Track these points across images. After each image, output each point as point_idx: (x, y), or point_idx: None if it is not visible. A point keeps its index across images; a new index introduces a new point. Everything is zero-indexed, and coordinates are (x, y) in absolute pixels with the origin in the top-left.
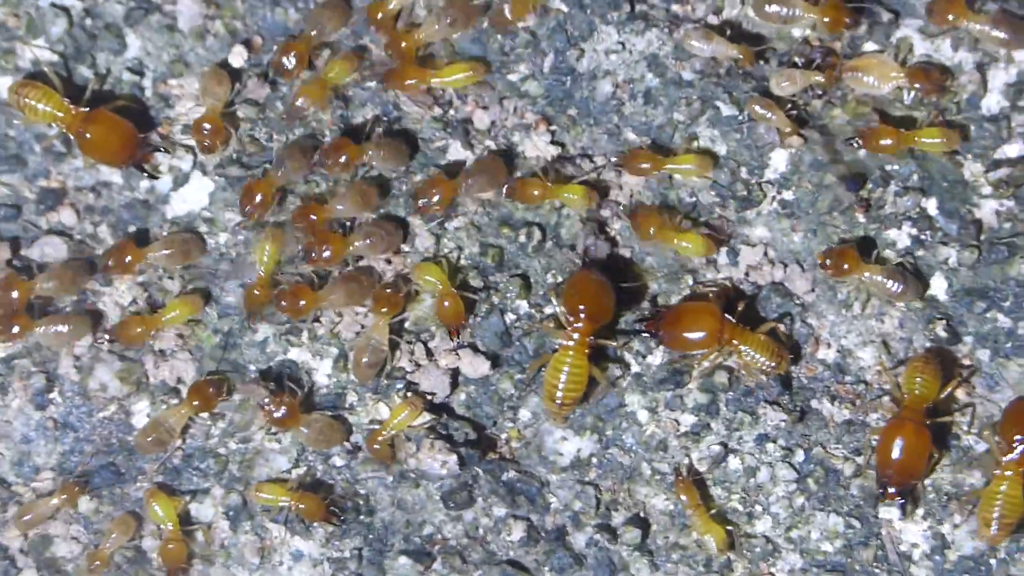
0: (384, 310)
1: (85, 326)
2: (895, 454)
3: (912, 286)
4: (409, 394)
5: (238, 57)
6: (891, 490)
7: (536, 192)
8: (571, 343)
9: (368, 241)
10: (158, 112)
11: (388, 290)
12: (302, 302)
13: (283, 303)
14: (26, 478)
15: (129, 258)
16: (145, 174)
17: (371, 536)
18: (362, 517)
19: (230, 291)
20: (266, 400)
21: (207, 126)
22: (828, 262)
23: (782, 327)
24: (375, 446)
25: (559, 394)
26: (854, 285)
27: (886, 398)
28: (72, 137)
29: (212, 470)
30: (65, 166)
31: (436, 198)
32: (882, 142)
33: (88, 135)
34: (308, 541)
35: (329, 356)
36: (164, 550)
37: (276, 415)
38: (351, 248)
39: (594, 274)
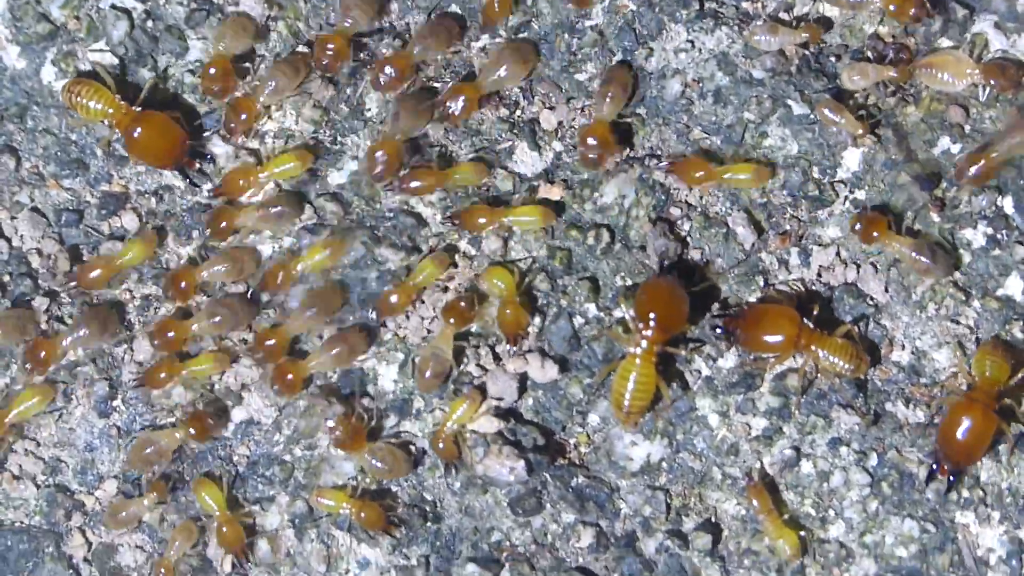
0: (452, 321)
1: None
2: (959, 434)
3: (941, 263)
4: (466, 389)
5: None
6: (946, 466)
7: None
8: (638, 351)
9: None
10: (220, 115)
11: (462, 303)
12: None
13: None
14: (89, 486)
15: (184, 284)
16: (187, 180)
17: (438, 543)
18: (429, 524)
19: (295, 297)
20: (332, 421)
21: (213, 71)
22: (858, 227)
23: (856, 329)
24: (439, 445)
25: (626, 403)
26: (927, 286)
27: (961, 384)
28: (120, 135)
29: (277, 477)
30: (127, 170)
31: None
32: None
33: (136, 134)
34: (375, 549)
35: (395, 362)
36: (220, 534)
37: (341, 438)
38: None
39: (668, 281)
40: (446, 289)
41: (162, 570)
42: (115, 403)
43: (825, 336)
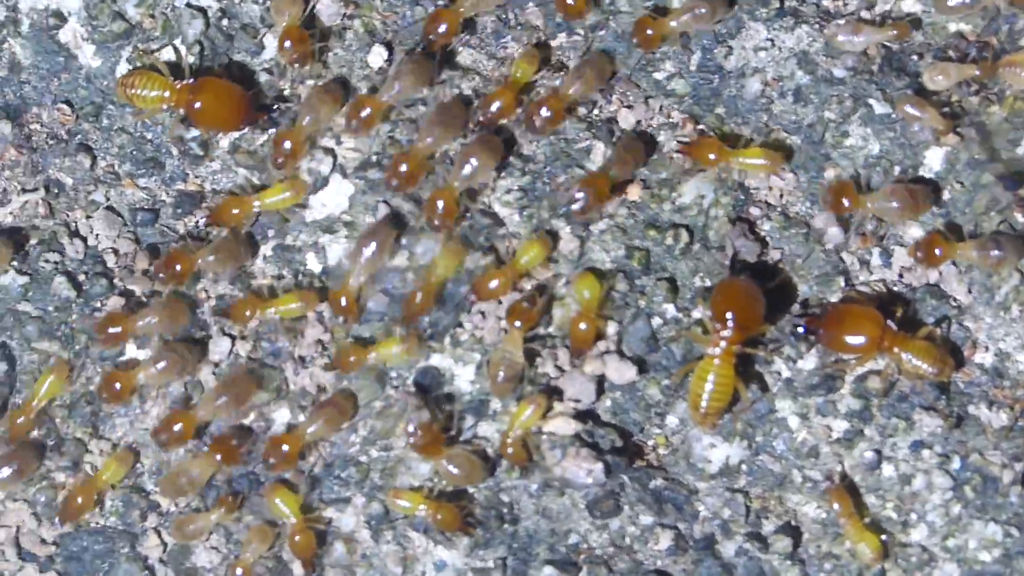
0: (518, 324)
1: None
2: None
3: (1011, 249)
4: (530, 390)
5: (377, 57)
6: None
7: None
8: (717, 352)
9: (161, 366)
10: (296, 114)
11: (524, 303)
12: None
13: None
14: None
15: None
16: (264, 131)
17: (515, 545)
18: (506, 526)
19: (370, 297)
20: (412, 425)
21: (288, 42)
22: (919, 254)
23: (939, 331)
24: (508, 450)
25: (704, 404)
26: (1011, 286)
27: None
28: (184, 112)
29: (353, 479)
30: (202, 169)
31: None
32: (708, 155)
33: (198, 105)
34: (451, 551)
35: (472, 362)
36: (292, 543)
37: (419, 443)
38: (141, 375)
39: (744, 281)
40: (521, 290)
41: (239, 570)
42: (191, 403)
43: (909, 338)
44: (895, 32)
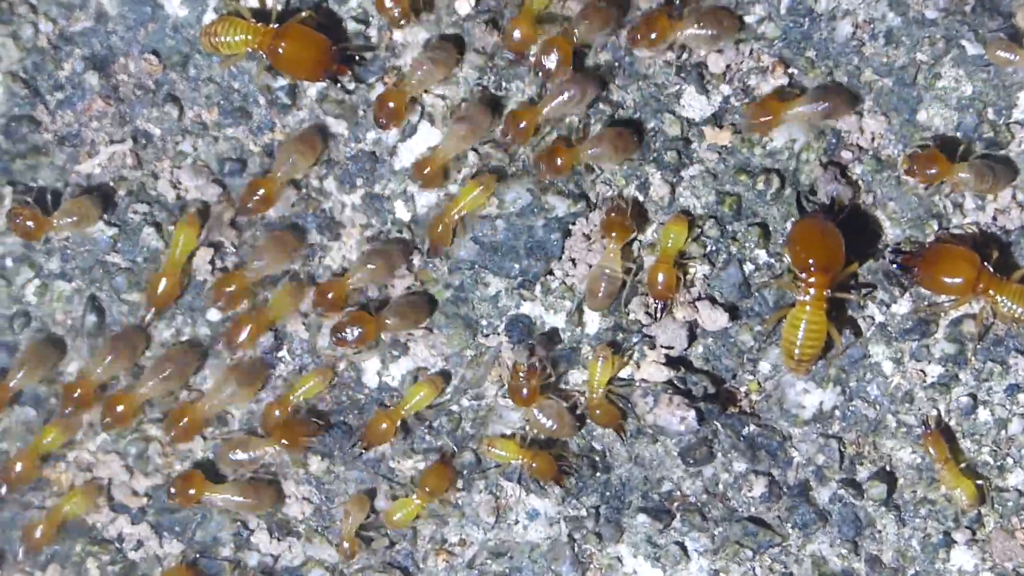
0: (614, 235)
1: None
2: None
3: (1002, 173)
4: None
5: (465, 4)
6: None
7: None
8: (807, 298)
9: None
10: (384, 61)
11: (615, 215)
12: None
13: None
14: (258, 436)
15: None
16: (339, 85)
17: (608, 494)
18: (599, 474)
19: (460, 244)
20: (510, 369)
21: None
22: (913, 167)
23: None
24: (596, 412)
25: (797, 351)
26: None
27: None
28: (266, 56)
29: (445, 428)
30: (290, 118)
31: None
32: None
33: (281, 50)
34: (544, 499)
35: (563, 310)
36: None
37: (517, 387)
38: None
39: (814, 221)
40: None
41: (346, 543)
42: (281, 353)
43: (1005, 281)
44: None
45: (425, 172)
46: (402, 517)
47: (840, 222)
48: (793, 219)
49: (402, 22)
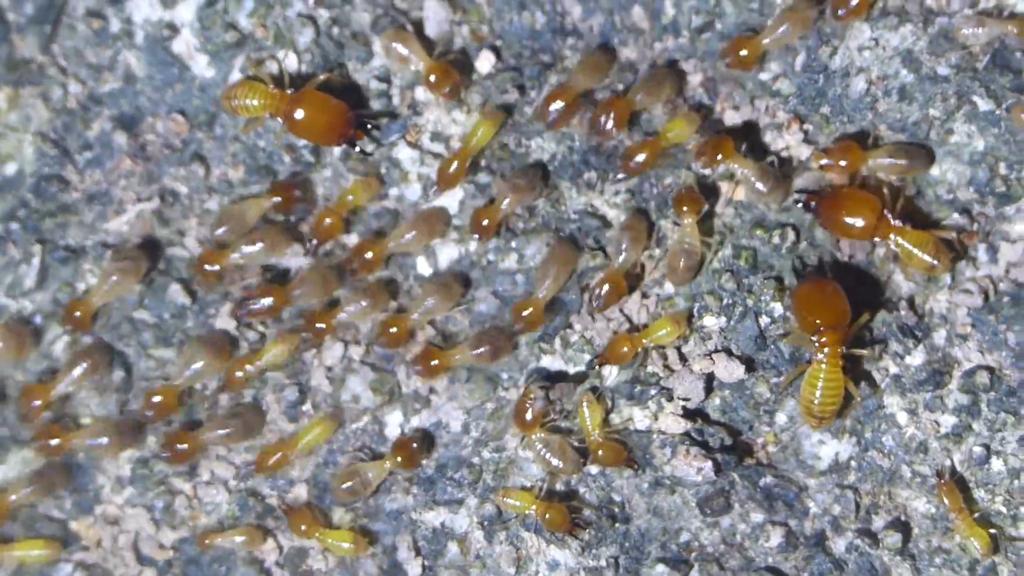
0: (686, 209)
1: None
2: None
3: (919, 158)
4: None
5: (486, 63)
6: None
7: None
8: (823, 357)
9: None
10: (406, 119)
11: (688, 192)
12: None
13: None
14: (281, 491)
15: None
16: (357, 150)
17: (627, 544)
18: (618, 525)
19: (481, 299)
20: (522, 392)
21: (432, 77)
22: (826, 162)
23: (954, 234)
24: (599, 453)
25: (816, 409)
26: None
27: None
28: (281, 121)
29: (467, 480)
30: (315, 176)
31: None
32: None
33: (297, 116)
34: (564, 550)
35: (582, 363)
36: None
37: (522, 412)
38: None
39: (814, 282)
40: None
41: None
42: (304, 407)
43: (906, 228)
44: (1015, 28)
45: (483, 224)
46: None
47: (853, 274)
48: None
49: (449, 95)
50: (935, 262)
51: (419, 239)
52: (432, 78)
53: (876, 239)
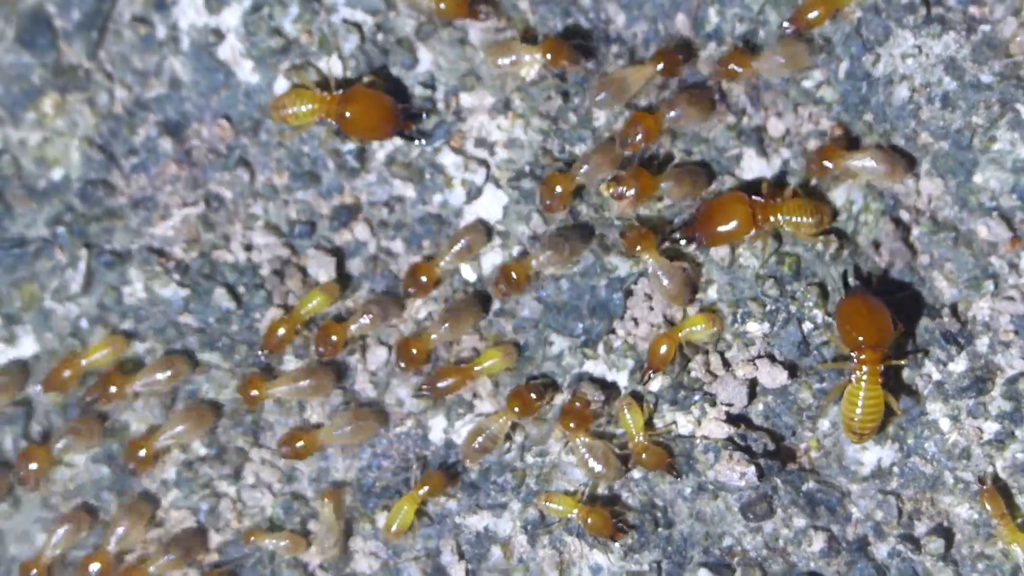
0: (639, 248)
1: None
2: None
3: (901, 161)
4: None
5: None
6: None
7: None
8: (862, 374)
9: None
10: (451, 125)
11: (629, 232)
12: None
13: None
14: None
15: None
16: (412, 140)
17: (670, 549)
18: (660, 529)
19: (525, 305)
20: (572, 394)
21: (549, 55)
22: (811, 166)
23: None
24: (641, 456)
25: (856, 426)
26: None
27: None
28: (334, 122)
29: (510, 484)
30: (359, 181)
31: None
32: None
33: (348, 115)
34: (607, 554)
35: (625, 368)
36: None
37: (570, 413)
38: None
39: (860, 298)
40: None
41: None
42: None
43: (778, 203)
44: None
45: (512, 279)
46: (399, 525)
47: (897, 285)
48: (852, 279)
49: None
50: (817, 219)
51: (466, 254)
52: (548, 56)
53: (761, 226)
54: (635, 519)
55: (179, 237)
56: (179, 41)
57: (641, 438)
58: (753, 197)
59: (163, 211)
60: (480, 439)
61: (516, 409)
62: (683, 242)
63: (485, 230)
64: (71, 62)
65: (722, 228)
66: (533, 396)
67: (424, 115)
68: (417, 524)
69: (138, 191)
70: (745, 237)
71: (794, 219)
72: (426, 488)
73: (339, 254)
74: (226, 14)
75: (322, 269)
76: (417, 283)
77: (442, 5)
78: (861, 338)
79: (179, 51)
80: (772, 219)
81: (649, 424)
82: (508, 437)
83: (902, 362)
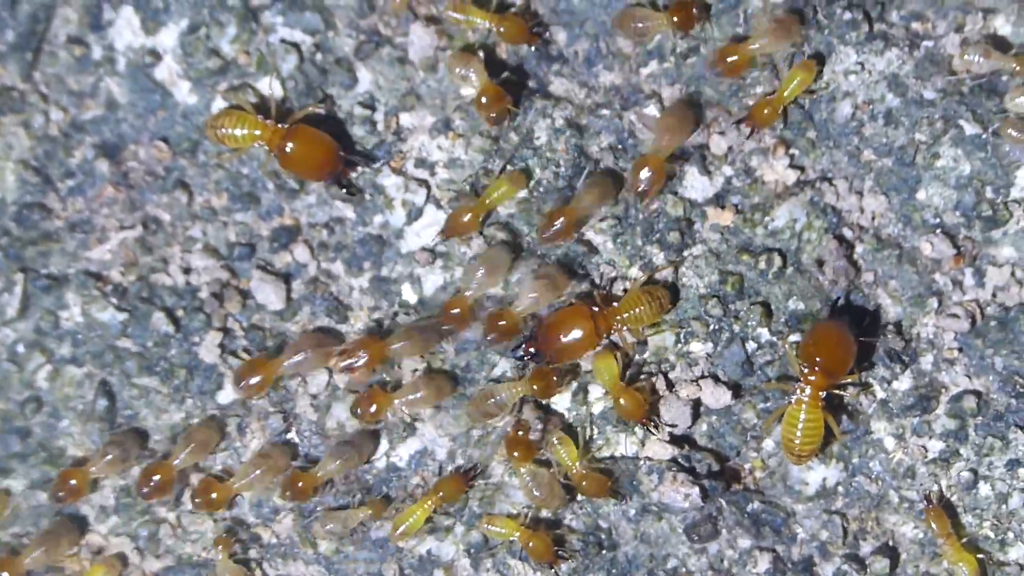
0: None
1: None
2: None
3: (792, 24)
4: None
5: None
6: None
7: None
8: (804, 396)
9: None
10: (390, 146)
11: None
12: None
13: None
14: (266, 519)
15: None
16: (344, 189)
17: (614, 571)
18: (605, 552)
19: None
20: (515, 423)
21: (484, 98)
22: (719, 66)
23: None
24: (582, 483)
25: (796, 448)
26: None
27: None
28: (273, 153)
29: (453, 507)
30: (298, 203)
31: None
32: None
33: (288, 150)
34: None
35: (568, 390)
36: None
37: (512, 443)
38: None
39: (838, 327)
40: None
41: None
42: (290, 435)
43: (615, 305)
44: (1016, 66)
45: (500, 326)
46: (406, 529)
47: (845, 308)
48: (795, 298)
49: (496, 121)
50: (655, 307)
51: (490, 280)
52: (483, 99)
53: (605, 336)
54: (579, 541)
55: (117, 260)
56: (115, 62)
57: (579, 467)
58: (592, 306)
59: (100, 234)
60: (488, 404)
61: (536, 387)
62: (525, 359)
63: (510, 254)
64: (5, 84)
65: (564, 340)
66: (554, 379)
67: (363, 165)
68: (360, 540)
69: (75, 214)
70: (590, 351)
71: (634, 311)
72: (440, 494)
73: (285, 278)
74: (163, 35)
75: (272, 294)
76: (454, 317)
77: (502, 28)
78: (819, 359)
79: (115, 72)
80: (615, 324)
81: (587, 447)
82: (513, 409)
83: (844, 392)
